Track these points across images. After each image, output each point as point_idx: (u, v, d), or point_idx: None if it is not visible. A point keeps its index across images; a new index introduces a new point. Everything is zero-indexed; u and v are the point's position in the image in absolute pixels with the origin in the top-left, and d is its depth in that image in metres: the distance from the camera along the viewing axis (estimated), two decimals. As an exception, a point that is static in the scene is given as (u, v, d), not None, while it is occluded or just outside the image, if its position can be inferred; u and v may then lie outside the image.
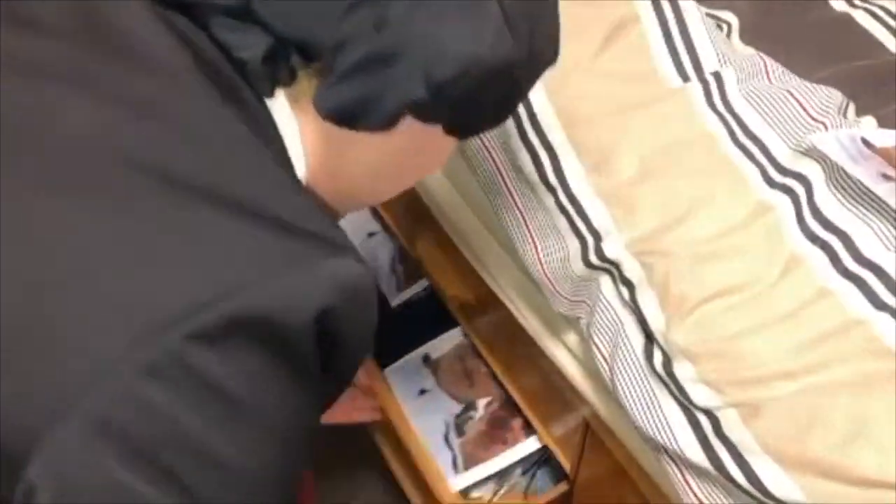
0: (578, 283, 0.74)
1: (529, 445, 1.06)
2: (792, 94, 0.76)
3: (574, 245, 0.74)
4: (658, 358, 0.68)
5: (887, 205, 0.65)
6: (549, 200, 0.76)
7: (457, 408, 1.15)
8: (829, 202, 0.68)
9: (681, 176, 0.72)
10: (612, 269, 0.71)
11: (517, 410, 1.05)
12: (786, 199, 0.69)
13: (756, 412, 0.61)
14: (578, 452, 0.91)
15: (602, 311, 0.73)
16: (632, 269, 0.70)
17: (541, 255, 0.77)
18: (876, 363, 0.60)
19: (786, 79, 0.78)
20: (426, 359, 1.20)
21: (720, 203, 0.70)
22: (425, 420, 1.15)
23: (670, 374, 0.66)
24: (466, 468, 1.10)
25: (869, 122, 0.76)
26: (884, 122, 0.76)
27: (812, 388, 0.60)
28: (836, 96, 0.76)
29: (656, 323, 0.68)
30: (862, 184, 0.66)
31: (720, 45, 0.80)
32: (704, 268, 0.67)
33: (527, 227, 0.79)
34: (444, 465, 1.11)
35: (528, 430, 1.06)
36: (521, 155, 0.78)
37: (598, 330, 0.74)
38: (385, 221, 1.23)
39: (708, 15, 0.87)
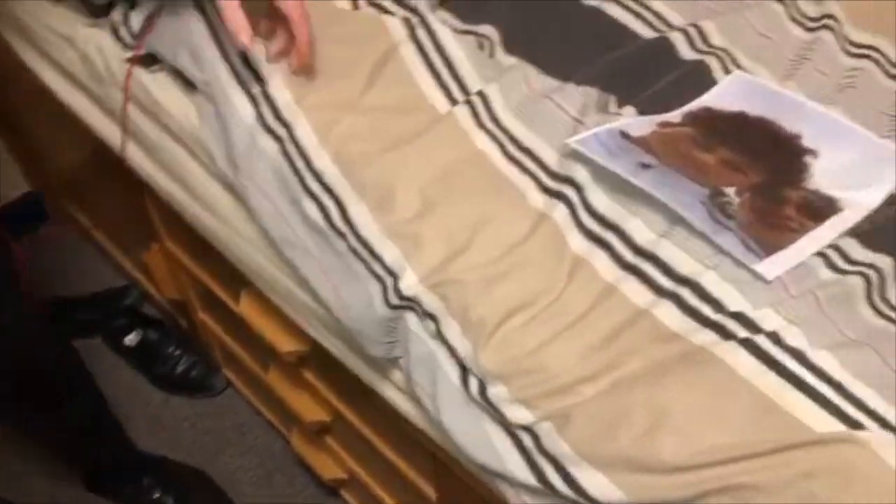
0: (387, 325, 0.73)
1: None
2: (552, 99, 0.78)
3: (374, 288, 0.73)
4: (474, 385, 0.68)
5: (649, 193, 0.68)
6: (342, 246, 0.74)
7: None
8: (601, 200, 0.70)
9: (461, 201, 0.72)
10: (415, 305, 0.71)
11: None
12: (561, 205, 0.71)
13: (567, 421, 0.62)
14: (434, 483, 0.90)
15: (415, 347, 0.72)
16: (431, 303, 0.69)
17: (346, 303, 0.76)
18: (664, 349, 0.62)
19: (545, 84, 0.80)
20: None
21: (501, 221, 0.71)
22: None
23: (486, 399, 0.66)
24: None
25: (629, 111, 0.79)
26: (644, 108, 0.80)
27: (612, 387, 0.62)
28: (592, 94, 0.79)
29: (464, 351, 0.68)
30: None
31: (481, 63, 0.82)
32: (496, 289, 0.67)
33: (326, 276, 0.77)
34: None
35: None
36: (306, 204, 0.76)
37: (416, 367, 0.73)
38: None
39: (466, 32, 0.89)
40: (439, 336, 0.70)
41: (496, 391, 0.66)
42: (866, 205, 0.71)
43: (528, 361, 0.65)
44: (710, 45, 0.87)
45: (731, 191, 0.70)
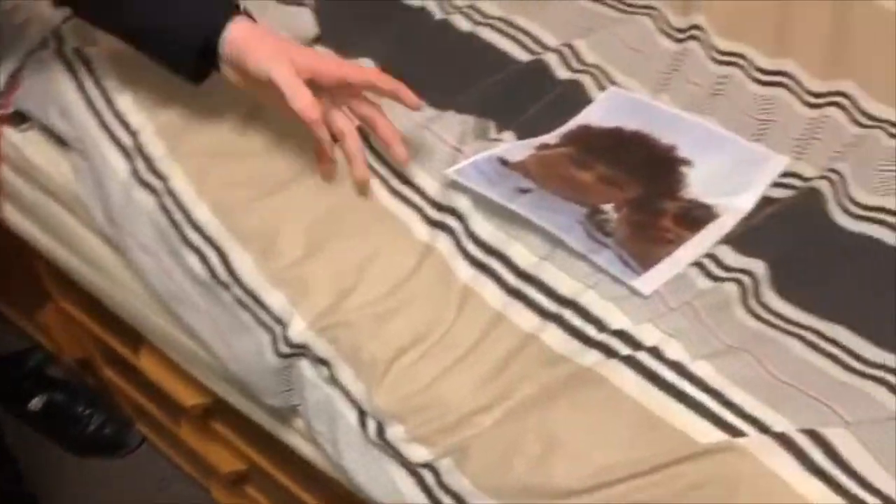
0: (281, 375, 0.72)
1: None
2: (431, 130, 0.78)
3: (264, 337, 0.71)
4: (372, 427, 0.66)
5: (526, 217, 0.68)
6: (227, 297, 0.72)
7: None
8: (483, 227, 0.70)
9: (346, 240, 0.71)
10: (306, 352, 0.69)
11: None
12: (445, 236, 0.71)
13: (465, 454, 0.62)
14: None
15: (311, 394, 0.71)
16: (322, 349, 0.68)
17: (237, 355, 0.74)
18: (552, 373, 0.62)
19: (424, 114, 0.80)
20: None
21: (387, 257, 0.70)
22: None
23: (385, 440, 0.65)
24: None
25: (509, 136, 0.80)
26: (523, 131, 0.81)
27: (505, 416, 0.62)
28: (470, 121, 0.80)
29: (359, 394, 0.67)
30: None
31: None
32: (386, 327, 0.67)
33: (215, 328, 0.75)
34: None
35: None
36: (187, 257, 0.74)
37: (314, 413, 0.71)
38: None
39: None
40: (333, 381, 0.68)
41: (394, 431, 0.65)
42: (741, 209, 0.73)
43: (422, 398, 0.64)
44: (585, 64, 0.89)
45: (609, 207, 0.72)
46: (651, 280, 0.64)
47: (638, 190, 0.74)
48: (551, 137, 0.80)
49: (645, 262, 0.66)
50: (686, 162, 0.78)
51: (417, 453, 0.64)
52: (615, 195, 0.73)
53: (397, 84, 0.71)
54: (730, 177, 0.76)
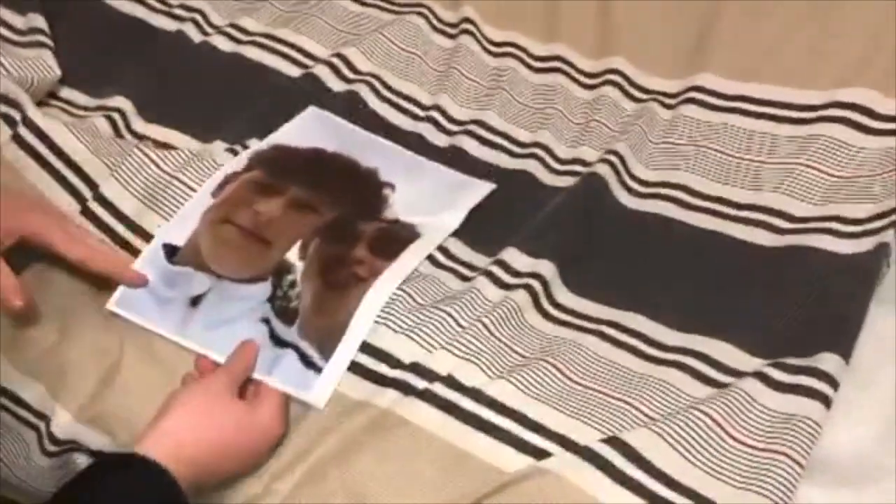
0: (56, 473, 0.63)
1: None
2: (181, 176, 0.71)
3: (30, 436, 0.62)
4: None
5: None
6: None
7: None
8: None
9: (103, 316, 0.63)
10: (77, 446, 0.61)
11: None
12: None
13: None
14: None
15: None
16: (96, 440, 0.60)
17: (5, 461, 0.65)
18: (352, 421, 0.57)
19: (179, 156, 0.73)
20: None
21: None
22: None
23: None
24: None
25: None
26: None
27: (307, 476, 0.56)
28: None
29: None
30: None
31: (105, 149, 0.72)
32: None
33: (-26, 435, 0.65)
34: None
35: None
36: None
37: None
38: None
39: (98, 108, 0.80)
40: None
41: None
42: (448, 226, 0.69)
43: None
44: (359, 73, 0.84)
45: (294, 257, 0.65)
46: (326, 384, 0.58)
47: (337, 210, 0.69)
48: (240, 161, 0.73)
49: (327, 346, 0.60)
50: (389, 185, 0.73)
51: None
52: (309, 220, 0.68)
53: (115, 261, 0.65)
54: (433, 199, 0.72)
